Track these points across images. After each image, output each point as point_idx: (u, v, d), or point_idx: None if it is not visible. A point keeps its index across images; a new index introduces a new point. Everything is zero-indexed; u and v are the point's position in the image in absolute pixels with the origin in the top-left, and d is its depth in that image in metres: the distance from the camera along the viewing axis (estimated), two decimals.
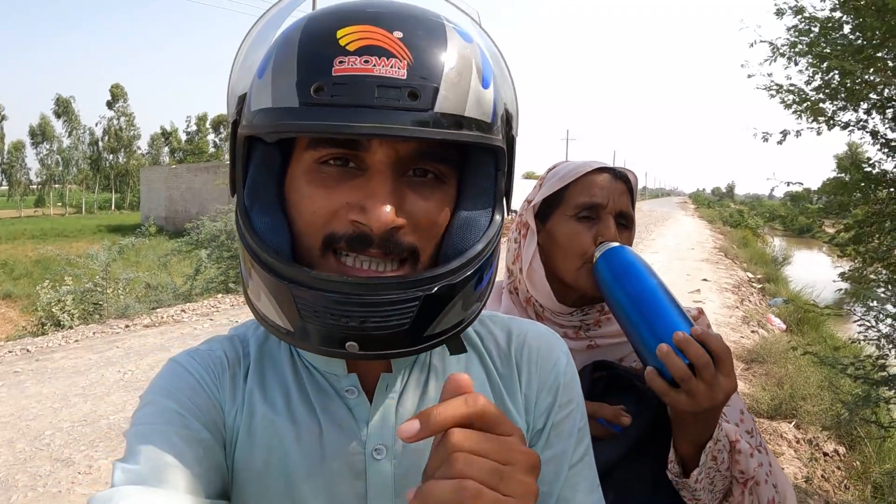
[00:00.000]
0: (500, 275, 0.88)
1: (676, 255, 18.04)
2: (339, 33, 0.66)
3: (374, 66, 0.64)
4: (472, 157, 0.77)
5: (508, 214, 0.82)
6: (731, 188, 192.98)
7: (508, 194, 0.81)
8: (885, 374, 3.06)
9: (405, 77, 0.64)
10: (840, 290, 3.37)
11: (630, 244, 1.35)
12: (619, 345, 1.35)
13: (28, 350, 7.44)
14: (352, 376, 0.81)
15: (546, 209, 1.39)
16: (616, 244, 1.26)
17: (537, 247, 1.38)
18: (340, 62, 0.64)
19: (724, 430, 1.13)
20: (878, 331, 3.06)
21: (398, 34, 0.66)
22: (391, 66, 0.64)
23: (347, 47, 0.65)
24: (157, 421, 0.73)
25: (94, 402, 5.61)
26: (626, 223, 1.36)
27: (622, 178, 1.37)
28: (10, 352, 7.35)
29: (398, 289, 0.68)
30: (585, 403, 1.10)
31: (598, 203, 1.32)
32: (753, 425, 1.30)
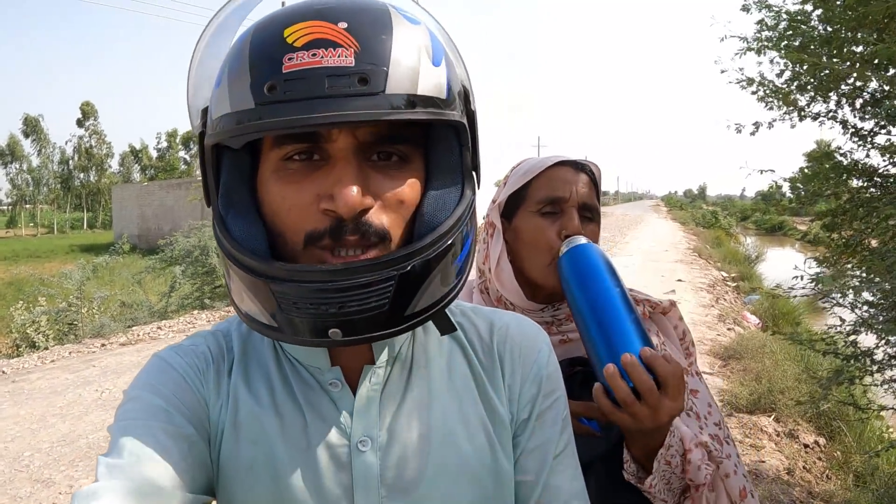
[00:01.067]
0: (472, 274, 0.90)
1: (651, 257, 18.17)
2: (286, 32, 0.67)
3: (322, 57, 0.65)
4: (435, 136, 0.78)
5: (479, 188, 0.84)
6: (702, 190, 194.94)
7: (477, 169, 0.82)
8: (855, 349, 3.10)
9: (353, 64, 0.65)
10: (812, 278, 3.41)
11: (596, 236, 1.35)
12: None
13: (3, 372, 7.31)
14: (335, 369, 0.82)
15: (511, 207, 1.39)
16: (582, 241, 1.25)
17: (504, 245, 1.38)
18: (290, 59, 0.66)
19: (678, 436, 1.14)
20: (856, 315, 3.11)
21: (343, 24, 0.67)
22: (338, 56, 0.65)
23: (295, 44, 0.66)
24: (141, 416, 0.73)
25: (73, 421, 5.54)
26: (590, 215, 1.36)
27: (584, 170, 1.38)
28: None
29: (372, 270, 0.68)
30: (576, 404, 1.12)
31: (560, 196, 1.33)
32: (721, 417, 1.32)
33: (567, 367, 1.24)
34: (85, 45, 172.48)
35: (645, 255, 18.43)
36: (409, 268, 0.70)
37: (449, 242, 0.74)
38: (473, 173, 0.81)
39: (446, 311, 0.79)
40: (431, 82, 0.71)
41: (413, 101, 0.69)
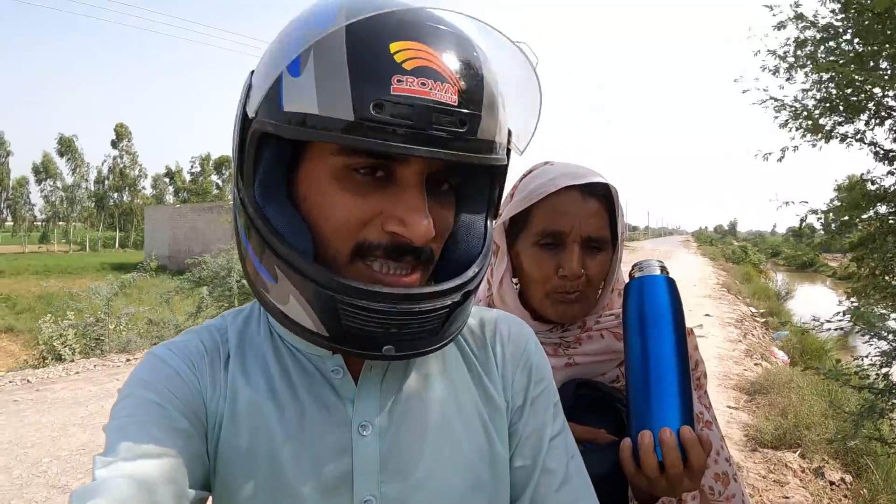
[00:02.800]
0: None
1: (680, 291, 18.00)
2: (393, 48, 0.66)
3: (431, 89, 0.65)
4: (475, 170, 0.80)
5: (497, 219, 0.86)
6: (733, 226, 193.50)
7: (499, 200, 0.86)
8: (887, 382, 3.03)
9: (456, 104, 0.66)
10: (840, 313, 3.36)
11: (607, 265, 1.29)
12: (599, 362, 1.31)
13: (28, 381, 7.39)
14: (337, 357, 0.83)
15: (513, 228, 1.33)
16: (656, 271, 1.16)
17: (509, 265, 1.33)
18: (399, 81, 0.64)
19: None
20: (880, 347, 3.05)
21: (445, 56, 0.67)
22: (444, 92, 0.66)
23: (404, 65, 0.65)
24: (135, 413, 0.73)
25: (93, 432, 5.57)
26: (597, 245, 1.27)
27: (595, 194, 1.27)
28: (10, 382, 7.29)
29: (433, 298, 0.72)
30: (582, 430, 1.12)
31: (560, 230, 1.25)
32: (729, 454, 1.30)
33: (572, 390, 1.22)
34: (122, 67, 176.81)
35: None
36: (459, 297, 0.75)
37: (485, 272, 0.80)
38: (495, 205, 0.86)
39: None
40: (503, 127, 0.75)
41: (492, 146, 0.72)
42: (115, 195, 72.91)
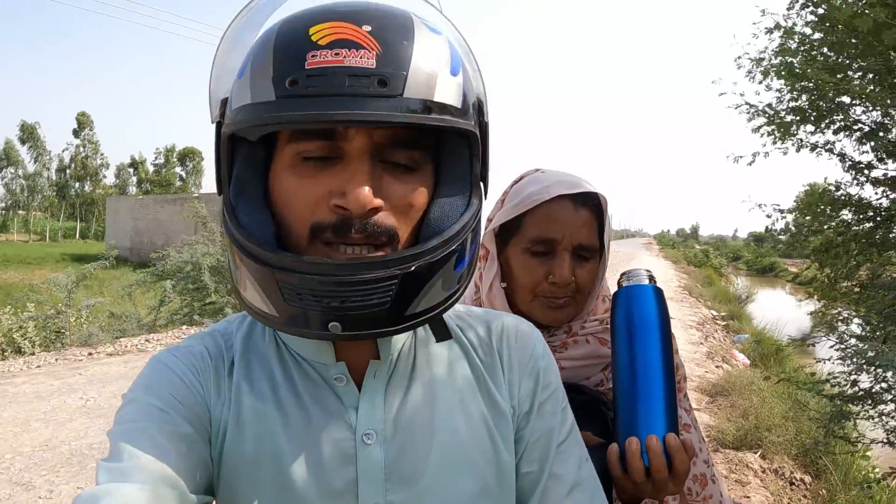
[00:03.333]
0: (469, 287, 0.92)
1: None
2: (312, 30, 0.69)
3: (345, 57, 0.67)
4: (447, 144, 0.79)
5: (486, 198, 0.86)
6: (695, 229, 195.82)
7: (485, 179, 0.84)
8: (856, 389, 3.13)
9: (374, 66, 0.67)
10: (810, 314, 3.45)
11: (594, 274, 1.32)
12: (585, 367, 1.34)
13: None
14: (340, 364, 0.83)
15: (504, 234, 1.36)
16: (643, 280, 1.18)
17: (498, 269, 1.35)
18: (313, 56, 0.67)
19: None
20: (846, 350, 3.14)
21: (367, 28, 0.69)
22: (360, 57, 0.67)
23: (319, 42, 0.68)
24: (139, 418, 0.74)
25: (56, 427, 5.47)
26: (587, 255, 1.31)
27: (587, 205, 1.31)
28: None
29: (377, 268, 0.70)
30: None
31: (552, 238, 1.28)
32: (709, 455, 1.34)
33: None
34: (87, 57, 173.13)
35: None
36: (412, 268, 0.71)
37: (453, 248, 0.75)
38: (482, 183, 0.83)
39: (443, 317, 0.82)
40: (448, 90, 0.73)
41: (429, 106, 0.71)
42: (77, 185, 71.46)
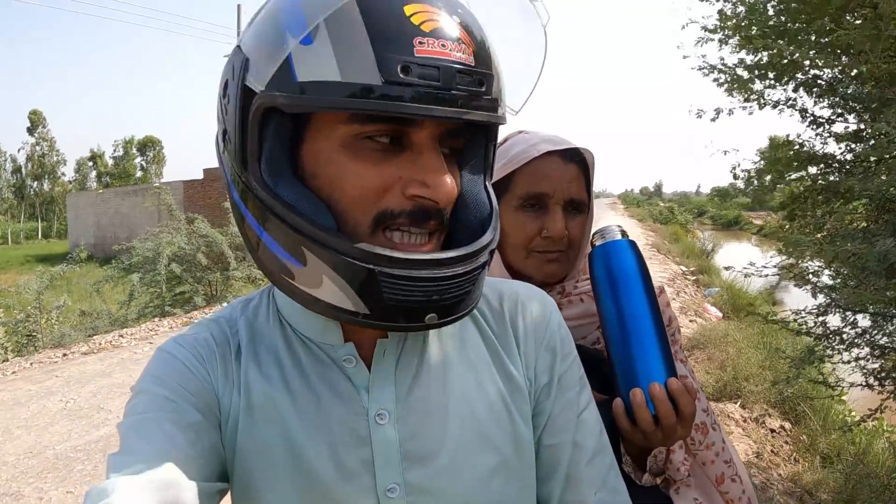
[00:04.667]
0: None
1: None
2: (407, 10, 0.65)
3: (451, 50, 0.66)
4: (474, 131, 0.80)
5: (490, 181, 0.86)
6: (658, 187, 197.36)
7: (493, 163, 0.85)
8: (825, 328, 3.21)
9: (474, 64, 0.67)
10: (774, 266, 3.52)
11: (584, 227, 1.34)
12: (582, 326, 1.34)
13: None
14: (349, 345, 0.82)
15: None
16: (617, 236, 1.20)
17: None
18: (420, 43, 0.64)
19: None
20: (821, 298, 3.21)
21: (456, 18, 0.68)
22: (462, 52, 0.66)
23: (422, 27, 0.65)
24: (147, 409, 0.74)
25: (38, 432, 5.41)
26: (577, 208, 1.33)
27: (574, 160, 1.33)
28: None
29: (466, 261, 0.72)
30: None
31: (544, 193, 1.29)
32: (707, 403, 1.35)
33: None
34: (40, 52, 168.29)
35: None
36: (484, 259, 0.75)
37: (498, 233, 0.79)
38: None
39: None
40: (504, 87, 0.75)
41: (500, 104, 0.73)
42: (35, 184, 69.83)
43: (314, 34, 0.65)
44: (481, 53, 0.69)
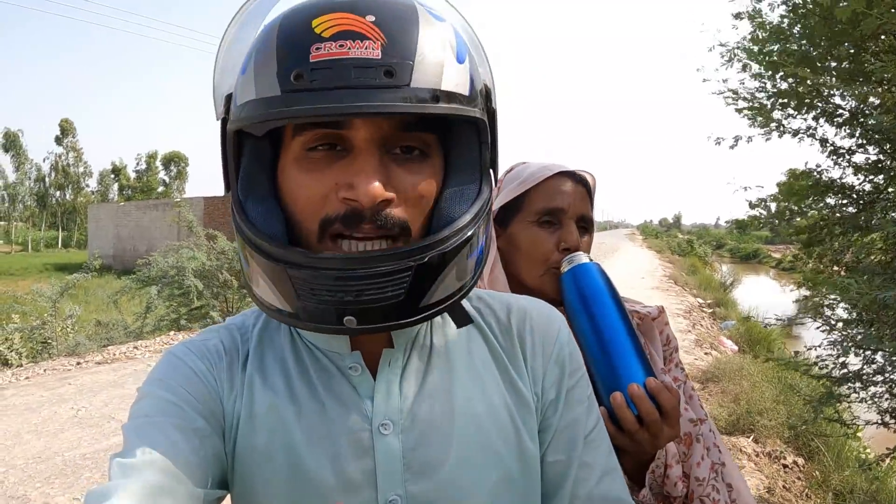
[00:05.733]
0: None
1: (628, 284, 18.21)
2: (315, 22, 0.68)
3: (349, 49, 0.66)
4: (456, 132, 0.79)
5: (496, 185, 0.85)
6: (678, 219, 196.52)
7: (494, 167, 0.83)
8: (846, 371, 3.16)
9: (380, 57, 0.67)
10: (797, 301, 3.50)
11: (590, 247, 1.37)
12: None
13: None
14: (355, 354, 0.82)
15: (505, 214, 1.39)
16: (584, 259, 1.26)
17: (498, 253, 1.38)
18: (317, 49, 0.67)
19: (663, 450, 1.20)
20: (836, 335, 3.17)
21: (371, 18, 0.69)
22: (366, 48, 0.67)
23: (323, 34, 0.67)
24: (153, 413, 0.74)
25: (48, 438, 5.44)
26: (585, 226, 1.37)
27: (581, 182, 1.39)
28: None
29: (390, 260, 0.69)
30: None
31: (560, 208, 1.34)
32: (712, 424, 1.36)
33: None
34: (67, 62, 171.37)
35: (622, 283, 18.07)
36: (426, 259, 0.71)
37: (466, 237, 0.75)
38: (491, 171, 0.82)
39: (463, 301, 0.80)
40: (455, 78, 0.72)
41: (437, 95, 0.70)
42: (58, 193, 70.69)
43: (247, 64, 0.73)
44: (399, 45, 0.69)
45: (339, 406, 0.80)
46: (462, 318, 0.83)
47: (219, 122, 0.80)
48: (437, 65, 0.71)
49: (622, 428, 1.09)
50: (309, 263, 0.70)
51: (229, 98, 0.78)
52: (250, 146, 0.76)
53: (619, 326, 1.16)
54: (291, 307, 0.73)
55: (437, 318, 0.89)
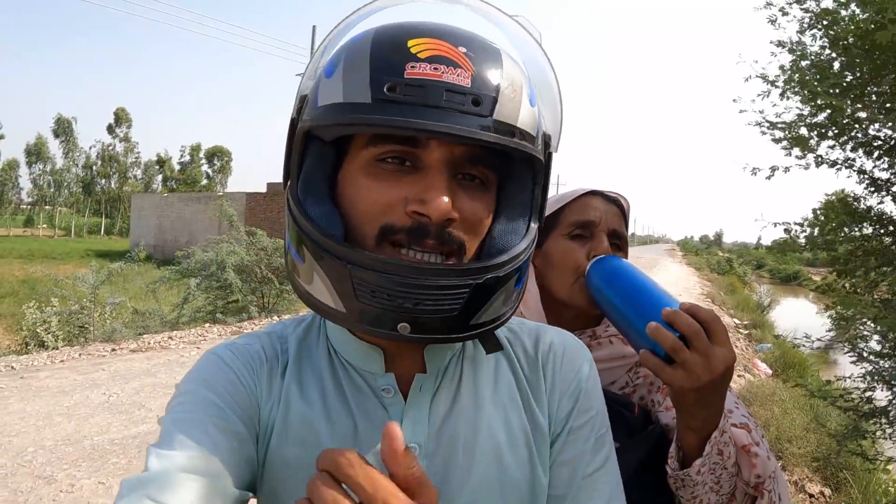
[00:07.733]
0: None
1: None
2: (410, 42, 0.72)
3: (443, 73, 0.70)
4: (514, 168, 0.82)
5: (541, 225, 0.86)
6: (719, 236, 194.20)
7: (542, 207, 0.86)
8: (872, 406, 3.10)
9: (469, 86, 0.70)
10: (827, 329, 3.43)
11: None
12: (611, 369, 1.36)
13: (13, 367, 7.35)
14: (389, 376, 0.83)
15: (541, 233, 1.36)
16: (608, 255, 1.29)
17: (533, 268, 1.39)
18: (412, 67, 0.70)
19: (730, 431, 1.08)
20: (866, 366, 3.11)
21: (462, 49, 0.72)
22: (458, 75, 0.70)
23: (418, 55, 0.71)
24: (194, 409, 0.75)
25: (78, 422, 5.55)
26: (619, 242, 1.39)
27: (615, 203, 1.42)
28: None
29: (452, 275, 0.72)
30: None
31: (591, 220, 1.36)
32: (753, 419, 1.23)
33: None
34: (118, 53, 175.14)
35: None
36: (482, 280, 0.74)
37: (518, 265, 0.79)
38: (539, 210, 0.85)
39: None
40: (527, 118, 0.76)
41: (513, 131, 0.74)
42: (103, 181, 72.24)
43: (335, 67, 0.76)
44: (485, 78, 0.72)
45: (371, 426, 0.81)
46: (493, 345, 0.85)
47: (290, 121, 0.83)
48: (516, 103, 0.75)
49: (669, 358, 1.00)
50: (375, 266, 0.71)
51: (304, 99, 0.81)
52: (316, 149, 0.79)
53: (645, 282, 1.16)
54: (345, 307, 0.74)
55: (469, 347, 0.91)
